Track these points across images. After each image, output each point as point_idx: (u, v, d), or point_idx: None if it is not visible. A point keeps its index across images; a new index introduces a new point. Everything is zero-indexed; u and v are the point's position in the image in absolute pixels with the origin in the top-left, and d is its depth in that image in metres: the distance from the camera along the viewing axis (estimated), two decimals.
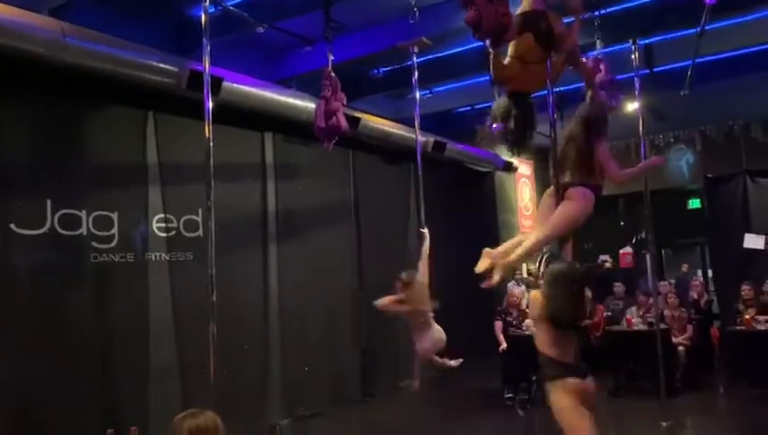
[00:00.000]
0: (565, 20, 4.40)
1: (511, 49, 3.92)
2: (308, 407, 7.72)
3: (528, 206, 13.60)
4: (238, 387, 6.44)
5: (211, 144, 4.58)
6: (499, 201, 12.70)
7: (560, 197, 3.98)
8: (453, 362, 5.74)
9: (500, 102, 4.01)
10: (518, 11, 3.94)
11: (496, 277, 3.74)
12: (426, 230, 5.91)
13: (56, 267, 5.67)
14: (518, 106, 3.91)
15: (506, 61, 3.88)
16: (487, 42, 3.64)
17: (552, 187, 4.09)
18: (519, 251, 3.83)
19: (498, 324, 8.42)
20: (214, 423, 2.08)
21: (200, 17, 4.68)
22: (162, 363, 6.28)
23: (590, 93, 4.43)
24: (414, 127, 6.49)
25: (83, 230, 5.86)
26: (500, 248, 3.96)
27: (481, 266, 3.80)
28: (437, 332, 5.54)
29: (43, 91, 5.68)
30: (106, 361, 5.88)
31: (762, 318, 7.74)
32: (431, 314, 5.54)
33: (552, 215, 3.90)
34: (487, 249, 3.88)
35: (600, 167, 4.11)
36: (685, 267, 12.10)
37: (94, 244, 5.93)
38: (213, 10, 4.77)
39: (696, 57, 7.53)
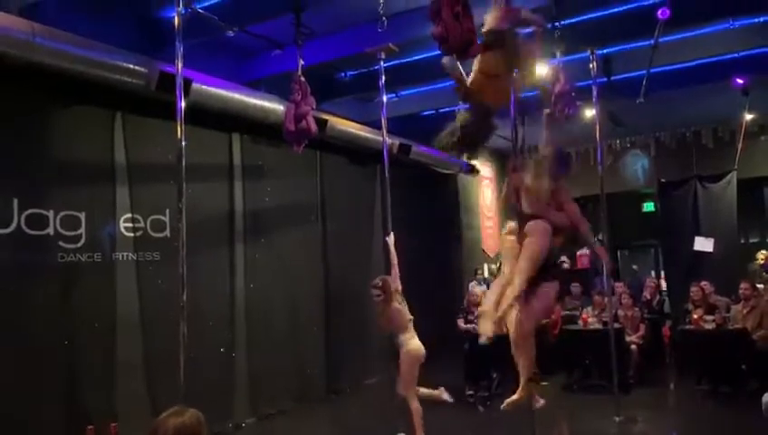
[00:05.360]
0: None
1: (476, 65, 4.13)
2: (273, 405, 7.81)
3: (490, 207, 13.90)
4: (204, 386, 6.48)
5: (183, 144, 4.65)
6: (462, 203, 12.98)
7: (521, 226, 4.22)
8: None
9: (462, 113, 4.25)
10: (484, 28, 4.13)
11: (496, 331, 4.06)
12: (390, 238, 6.06)
13: (23, 267, 5.62)
14: (478, 119, 4.15)
15: (471, 76, 4.09)
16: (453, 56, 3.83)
17: (509, 225, 4.39)
18: (506, 304, 4.12)
19: (461, 322, 8.64)
20: (198, 421, 2.13)
21: (169, 19, 4.73)
22: (129, 363, 6.30)
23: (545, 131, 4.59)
24: (380, 129, 6.64)
25: (50, 230, 5.84)
26: (489, 302, 4.22)
27: (487, 329, 4.07)
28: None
29: (11, 91, 5.63)
30: (73, 361, 5.86)
31: (709, 318, 8.05)
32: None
33: (520, 256, 4.13)
34: (483, 308, 4.14)
35: (558, 203, 4.31)
36: (635, 268, 12.52)
37: (61, 243, 5.91)
38: (183, 12, 4.83)
39: (650, 67, 7.88)
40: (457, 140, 4.26)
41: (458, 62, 4.33)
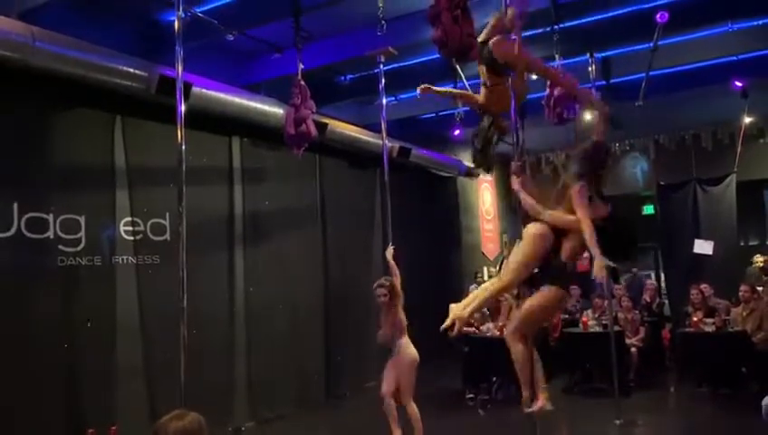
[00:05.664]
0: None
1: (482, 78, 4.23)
2: (273, 409, 7.81)
3: (489, 210, 13.91)
4: (204, 389, 6.45)
5: (183, 148, 4.65)
6: (461, 205, 12.99)
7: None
8: None
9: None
10: (479, 38, 4.14)
11: (457, 328, 4.03)
12: (389, 252, 6.03)
13: (23, 271, 5.63)
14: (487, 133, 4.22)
15: (480, 91, 4.19)
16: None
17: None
18: (474, 304, 4.13)
19: None
20: (199, 424, 2.12)
21: (169, 22, 4.74)
22: (129, 366, 6.31)
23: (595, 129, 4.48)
24: (380, 132, 6.65)
25: (50, 233, 5.84)
26: (462, 302, 4.21)
27: (447, 322, 4.06)
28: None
29: (11, 94, 5.64)
30: (73, 364, 5.86)
31: (709, 320, 8.06)
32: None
33: (511, 258, 4.11)
34: (452, 305, 4.14)
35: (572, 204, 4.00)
36: (634, 270, 12.50)
37: (61, 247, 5.91)
38: (183, 16, 4.84)
39: (649, 70, 7.90)
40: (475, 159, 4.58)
41: (458, 66, 4.38)
